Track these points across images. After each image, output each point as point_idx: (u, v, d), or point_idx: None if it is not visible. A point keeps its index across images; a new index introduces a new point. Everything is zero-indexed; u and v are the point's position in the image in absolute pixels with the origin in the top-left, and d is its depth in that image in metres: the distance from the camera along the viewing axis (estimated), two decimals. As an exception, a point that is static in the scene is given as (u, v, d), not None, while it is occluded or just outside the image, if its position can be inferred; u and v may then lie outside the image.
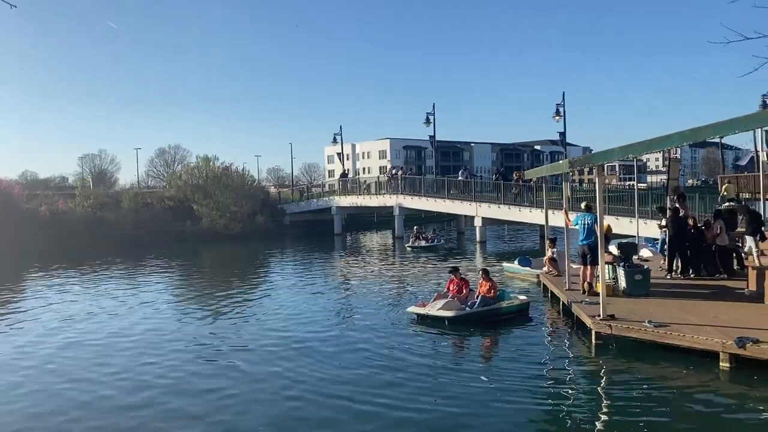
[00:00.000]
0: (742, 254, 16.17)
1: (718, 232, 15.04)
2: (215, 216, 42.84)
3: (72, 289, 21.56)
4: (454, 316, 13.53)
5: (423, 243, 32.35)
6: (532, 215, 30.24)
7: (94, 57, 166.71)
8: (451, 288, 14.70)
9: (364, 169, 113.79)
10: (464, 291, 14.49)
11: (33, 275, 25.57)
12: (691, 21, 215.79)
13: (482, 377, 9.92)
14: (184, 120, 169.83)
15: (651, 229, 22.06)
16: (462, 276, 14.98)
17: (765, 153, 22.98)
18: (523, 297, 15.14)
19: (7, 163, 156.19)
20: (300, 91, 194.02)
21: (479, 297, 14.07)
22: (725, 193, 18.84)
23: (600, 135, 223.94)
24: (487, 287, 14.21)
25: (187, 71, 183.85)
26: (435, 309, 13.78)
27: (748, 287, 13.08)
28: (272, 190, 62.42)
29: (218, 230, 41.81)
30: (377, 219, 50.76)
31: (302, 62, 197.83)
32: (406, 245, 33.11)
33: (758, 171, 23.56)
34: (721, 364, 9.45)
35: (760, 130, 21.37)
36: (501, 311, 14.02)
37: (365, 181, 48.87)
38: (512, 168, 75.13)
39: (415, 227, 34.84)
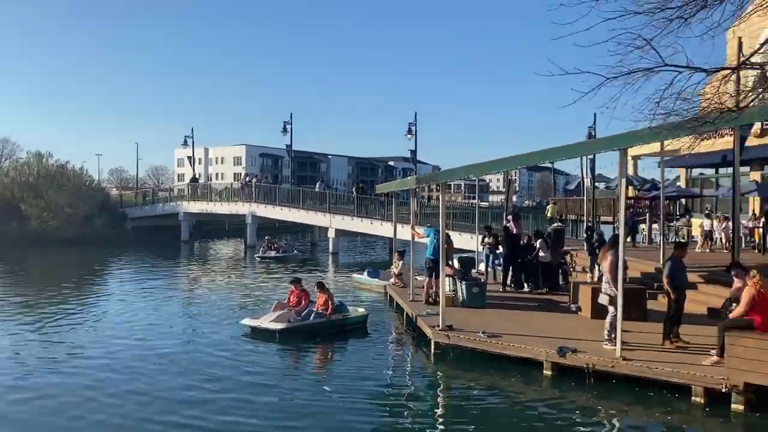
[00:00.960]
0: (568, 270, 17.73)
1: (539, 249, 16.35)
2: (46, 217, 39.23)
3: None
4: (284, 329, 13.13)
5: (273, 253, 31.74)
6: (383, 228, 30.99)
7: None
8: (291, 299, 14.37)
9: (217, 174, 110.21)
10: (303, 302, 14.15)
11: None
12: (524, 52, 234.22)
13: (325, 388, 9.92)
14: (13, 112, 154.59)
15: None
16: (303, 288, 14.64)
17: (589, 179, 25.44)
18: (362, 309, 15.03)
19: None
20: (148, 89, 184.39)
21: (311, 309, 13.83)
22: (549, 215, 20.62)
23: (450, 155, 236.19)
24: (323, 299, 13.95)
25: (17, 60, 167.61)
26: (267, 321, 13.44)
27: (570, 301, 14.30)
28: (114, 192, 58.46)
29: (49, 233, 38.29)
30: (229, 227, 49.29)
31: (151, 58, 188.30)
32: (256, 255, 32.37)
33: (583, 195, 26.11)
34: (544, 372, 10.22)
35: (584, 158, 23.65)
36: (336, 324, 13.83)
37: (218, 187, 47.30)
38: (368, 181, 76.83)
39: (267, 237, 34.10)
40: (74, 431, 8.26)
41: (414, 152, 40.02)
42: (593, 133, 31.29)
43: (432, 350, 11.69)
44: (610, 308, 10.38)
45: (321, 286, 14.33)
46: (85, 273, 26.41)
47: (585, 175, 25.96)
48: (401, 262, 18.51)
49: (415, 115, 39.07)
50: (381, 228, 31.43)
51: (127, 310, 17.01)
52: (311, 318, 13.62)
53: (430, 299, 14.49)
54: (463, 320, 12.49)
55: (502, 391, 9.78)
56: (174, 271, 27.54)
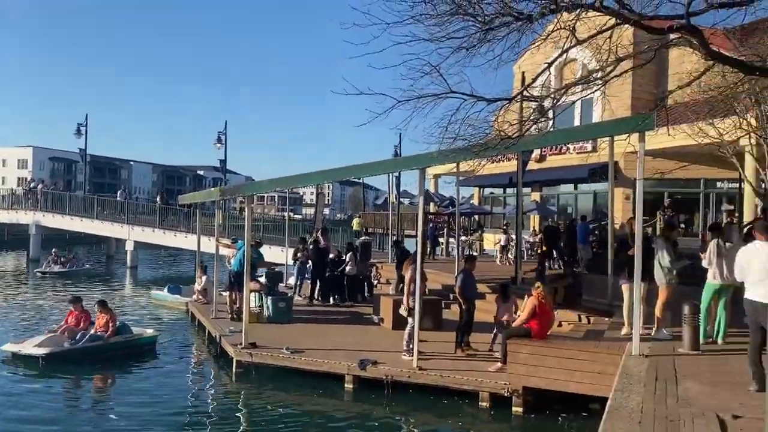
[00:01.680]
0: (373, 283, 18.27)
1: (349, 262, 16.69)
2: None
3: None
4: (50, 353, 11.65)
5: (57, 268, 28.30)
6: (188, 241, 29.52)
7: None
8: (69, 321, 12.82)
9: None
10: (81, 324, 12.64)
11: None
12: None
13: (111, 417, 9.08)
14: None
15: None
16: (83, 308, 13.05)
17: (395, 195, 26.59)
18: (150, 331, 13.91)
19: None
20: None
21: (87, 332, 12.46)
22: (355, 227, 21.18)
23: (268, 166, 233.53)
24: (104, 320, 12.61)
25: None
26: (30, 346, 11.94)
27: (373, 313, 14.70)
28: None
29: None
30: (8, 237, 43.65)
31: None
32: (36, 270, 28.87)
33: (390, 210, 27.20)
34: (346, 385, 10.33)
35: (391, 174, 24.64)
36: (117, 347, 12.52)
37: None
38: (175, 191, 73.07)
39: (53, 250, 30.56)
40: None
41: (224, 162, 38.80)
42: (398, 151, 32.80)
43: (234, 370, 11.27)
44: (410, 319, 10.80)
45: (102, 305, 12.94)
46: None
47: (391, 191, 27.07)
48: (205, 277, 17.71)
49: (225, 123, 37.93)
50: (185, 240, 29.88)
51: None
52: (84, 341, 12.17)
53: (234, 315, 14.02)
54: (269, 337, 12.23)
55: (305, 408, 9.70)
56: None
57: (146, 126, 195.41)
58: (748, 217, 17.92)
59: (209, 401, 10.38)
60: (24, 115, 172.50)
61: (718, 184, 23.60)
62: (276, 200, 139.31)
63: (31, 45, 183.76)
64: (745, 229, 15.72)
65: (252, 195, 12.61)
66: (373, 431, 8.75)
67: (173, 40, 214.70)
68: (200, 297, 17.19)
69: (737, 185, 21.25)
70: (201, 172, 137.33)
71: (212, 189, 16.47)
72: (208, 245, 20.51)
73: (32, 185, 38.06)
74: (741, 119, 14.50)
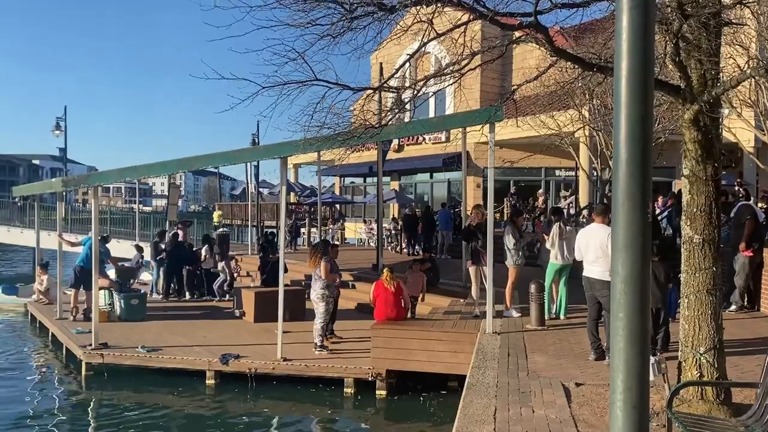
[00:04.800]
0: (233, 276, 17.79)
1: (205, 256, 16.15)
2: None
3: None
4: None
5: None
6: (24, 236, 26.95)
7: None
8: None
9: None
10: None
11: None
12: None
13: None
14: None
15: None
16: None
17: (254, 185, 26.07)
18: None
19: None
20: None
21: None
22: (216, 220, 20.50)
23: (112, 156, 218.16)
24: None
25: None
26: None
27: (234, 306, 14.34)
28: None
29: None
30: None
31: None
32: None
33: (248, 201, 26.63)
34: (207, 381, 10.01)
35: (249, 164, 24.13)
36: None
37: None
38: (7, 182, 66.11)
39: None
40: None
41: (64, 150, 35.85)
42: (257, 140, 32.17)
43: (83, 373, 10.49)
44: (318, 313, 10.47)
45: None
46: None
47: (249, 181, 26.49)
48: (46, 275, 16.27)
49: (65, 109, 35.02)
50: (21, 236, 27.25)
51: None
52: None
53: (80, 315, 13.04)
54: (122, 336, 11.53)
55: (165, 407, 9.28)
56: None
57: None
58: (584, 202, 19.71)
59: (55, 410, 9.54)
60: None
61: (557, 172, 25.70)
62: (123, 191, 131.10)
63: None
64: (584, 212, 17.34)
65: (98, 186, 11.75)
66: (237, 426, 8.57)
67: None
68: (42, 297, 15.77)
69: (573, 173, 23.30)
70: (37, 162, 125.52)
71: (53, 180, 15.10)
72: (48, 241, 18.87)
73: None
74: (577, 112, 15.86)
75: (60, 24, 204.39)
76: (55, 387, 10.71)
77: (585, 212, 17.59)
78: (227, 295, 15.87)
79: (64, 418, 9.16)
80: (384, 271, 10.42)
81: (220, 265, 16.12)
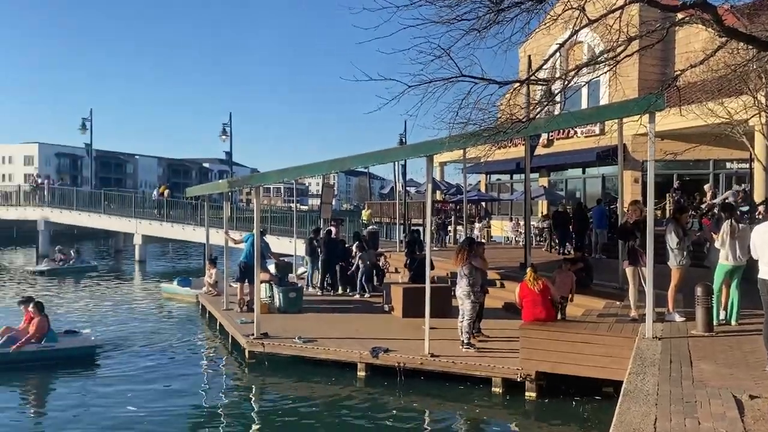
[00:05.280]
0: (382, 272, 18.26)
1: (356, 252, 16.67)
2: None
3: None
4: None
5: (43, 266, 27.29)
6: (196, 234, 29.62)
7: None
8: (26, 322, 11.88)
9: (4, 176, 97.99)
10: (32, 329, 11.53)
11: None
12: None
13: (129, 408, 9.12)
14: None
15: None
16: (37, 309, 11.74)
17: (401, 184, 26.54)
18: (93, 338, 12.69)
19: None
20: None
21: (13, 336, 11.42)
22: (365, 219, 21.14)
23: (271, 158, 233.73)
24: (34, 323, 11.51)
25: None
26: None
27: (383, 301, 14.70)
28: None
29: None
30: (17, 234, 43.92)
31: None
32: (27, 268, 28.66)
33: (396, 199, 27.18)
34: (358, 373, 10.35)
35: (396, 163, 24.59)
36: (23, 358, 11.19)
37: (4, 189, 41.90)
38: (181, 184, 73.23)
39: (57, 247, 30.40)
40: None
41: (229, 154, 38.90)
42: (404, 140, 32.71)
43: (246, 360, 11.30)
44: (464, 311, 10.42)
45: (34, 305, 11.81)
46: None
47: (397, 180, 27.02)
48: (214, 269, 17.75)
49: (230, 115, 38.02)
50: (193, 233, 29.99)
51: None
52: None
53: (245, 307, 14.06)
54: (280, 327, 12.26)
55: (319, 396, 9.73)
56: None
57: (151, 120, 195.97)
58: (759, 196, 17.81)
59: (223, 391, 10.42)
60: (29, 111, 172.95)
61: (728, 164, 23.45)
62: (282, 192, 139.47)
63: (34, 39, 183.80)
64: (761, 208, 15.68)
65: (260, 186, 12.59)
66: (387, 418, 8.76)
67: (177, 32, 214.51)
68: (211, 289, 17.24)
69: (747, 165, 21.12)
70: (207, 165, 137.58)
71: (220, 181, 16.46)
72: (216, 238, 20.58)
73: (39, 181, 38.21)
74: (752, 98, 14.36)
75: (224, 36, 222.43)
76: (222, 371, 11.68)
77: (761, 208, 15.89)
78: (366, 291, 16.29)
79: (229, 400, 9.93)
80: (527, 271, 10.11)
81: (362, 260, 16.52)
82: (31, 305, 11.79)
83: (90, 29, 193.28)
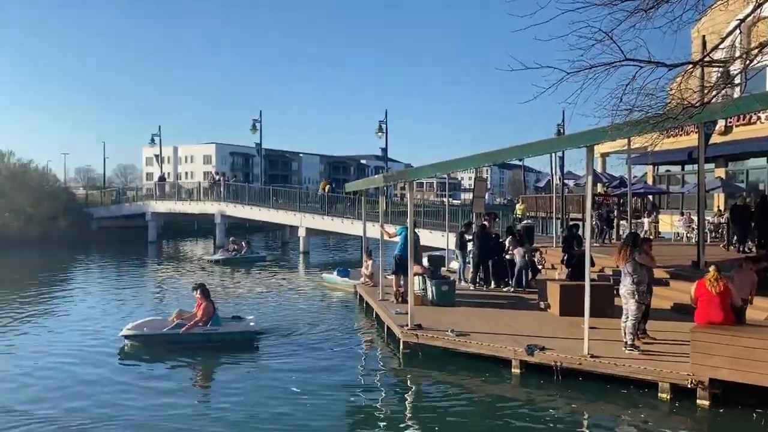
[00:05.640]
0: (537, 267, 17.76)
1: (510, 247, 16.35)
2: (8, 218, 38.22)
3: None
4: (127, 335, 12.31)
5: (218, 256, 30.05)
6: (354, 227, 30.83)
7: None
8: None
9: (186, 173, 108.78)
10: (199, 313, 12.55)
11: None
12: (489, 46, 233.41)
13: (293, 389, 9.73)
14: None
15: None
16: (204, 296, 12.74)
17: (558, 176, 25.57)
18: (252, 324, 13.34)
19: None
20: (117, 87, 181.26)
21: (182, 321, 12.54)
22: (519, 214, 20.64)
23: (423, 153, 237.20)
24: (201, 308, 12.53)
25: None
26: (125, 328, 12.62)
27: (539, 298, 14.30)
28: (80, 191, 57.19)
29: (11, 234, 37.23)
30: (198, 227, 48.61)
31: (124, 55, 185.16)
32: (206, 257, 31.46)
33: (553, 192, 26.25)
34: (513, 370, 10.17)
35: (554, 155, 23.73)
36: (193, 339, 12.28)
37: (186, 186, 46.60)
38: (340, 180, 76.64)
39: (231, 238, 33.21)
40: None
41: (385, 150, 39.99)
42: (561, 130, 31.50)
43: (401, 350, 11.57)
44: (629, 310, 9.89)
45: (201, 290, 12.75)
46: (47, 275, 25.68)
47: (554, 173, 26.08)
48: (371, 261, 18.36)
49: (386, 112, 39.04)
50: (351, 227, 31.27)
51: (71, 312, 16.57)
52: (169, 328, 12.42)
53: (400, 298, 14.38)
54: (433, 319, 12.40)
55: (471, 390, 9.70)
56: (139, 272, 26.99)
57: (314, 119, 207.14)
58: None
59: (379, 379, 10.74)
60: (206, 113, 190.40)
61: None
62: (435, 186, 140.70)
63: (214, 44, 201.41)
64: None
65: (413, 180, 12.79)
66: (544, 417, 8.52)
67: (337, 33, 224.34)
68: (367, 280, 17.86)
69: None
70: (364, 161, 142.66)
71: (376, 176, 16.98)
72: (372, 231, 21.26)
73: (216, 178, 41.93)
74: None
75: (378, 34, 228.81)
76: (377, 359, 12.05)
77: None
78: (521, 287, 15.90)
79: (385, 388, 10.21)
80: (710, 269, 9.24)
81: (517, 254, 16.17)
82: (199, 291, 12.77)
83: (262, 42, 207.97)
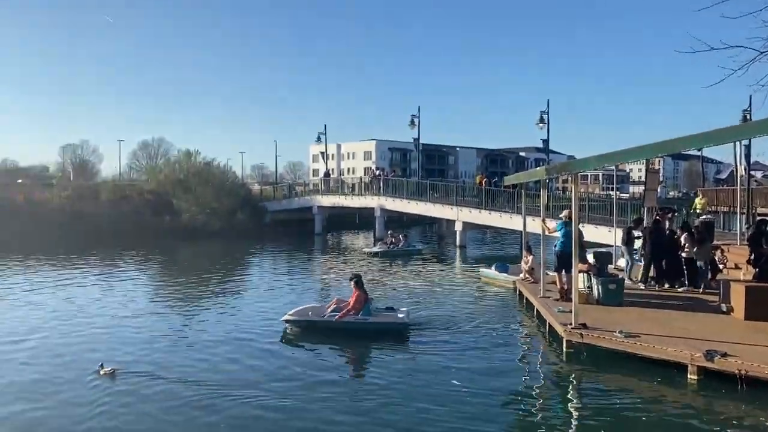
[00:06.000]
0: (717, 267, 16.24)
1: (685, 244, 15.07)
2: (195, 212, 42.43)
3: (36, 282, 21.10)
4: (287, 320, 13.20)
5: (377, 248, 30.86)
6: (513, 221, 30.28)
7: (78, 48, 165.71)
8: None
9: (348, 169, 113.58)
10: (351, 302, 13.11)
11: (1, 267, 25.06)
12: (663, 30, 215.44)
13: (454, 382, 9.79)
14: (169, 113, 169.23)
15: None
16: (359, 286, 13.24)
17: (743, 167, 23.16)
18: (401, 315, 13.50)
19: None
20: (288, 89, 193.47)
21: (337, 309, 13.20)
22: (699, 208, 18.95)
23: (585, 144, 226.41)
24: (354, 297, 13.09)
25: (176, 66, 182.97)
26: (287, 314, 13.47)
27: (720, 300, 13.07)
28: (255, 187, 61.97)
29: (197, 226, 41.36)
30: (359, 220, 50.59)
31: (291, 61, 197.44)
32: (365, 250, 32.58)
33: (737, 185, 23.84)
34: (689, 376, 9.41)
35: (739, 144, 21.53)
36: (346, 327, 12.81)
37: (349, 181, 48.71)
38: (498, 173, 75.58)
39: (389, 231, 34.06)
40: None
41: (546, 142, 38.80)
42: (748, 116, 28.43)
43: (564, 349, 11.18)
44: None
45: (355, 281, 13.31)
46: (230, 264, 28.23)
47: (739, 163, 23.64)
48: (531, 256, 17.91)
49: (548, 102, 37.87)
50: (510, 221, 30.72)
51: (260, 298, 17.93)
52: (324, 316, 13.18)
53: (563, 296, 13.88)
54: (598, 318, 11.83)
55: (641, 395, 9.13)
56: (304, 262, 28.70)
57: (470, 113, 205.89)
58: None
59: (540, 378, 10.47)
60: (366, 110, 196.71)
61: None
62: (600, 179, 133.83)
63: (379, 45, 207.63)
64: None
65: (577, 173, 12.24)
66: (725, 428, 7.80)
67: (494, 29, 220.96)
68: (527, 276, 17.45)
69: None
70: (522, 154, 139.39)
71: (537, 169, 16.52)
72: (532, 225, 20.72)
73: (377, 173, 43.30)
74: None
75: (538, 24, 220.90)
76: (538, 358, 11.73)
77: None
78: (699, 287, 14.60)
79: (547, 388, 9.94)
80: None
81: (693, 251, 14.87)
82: (354, 281, 13.31)
83: (420, 41, 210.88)
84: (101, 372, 10.04)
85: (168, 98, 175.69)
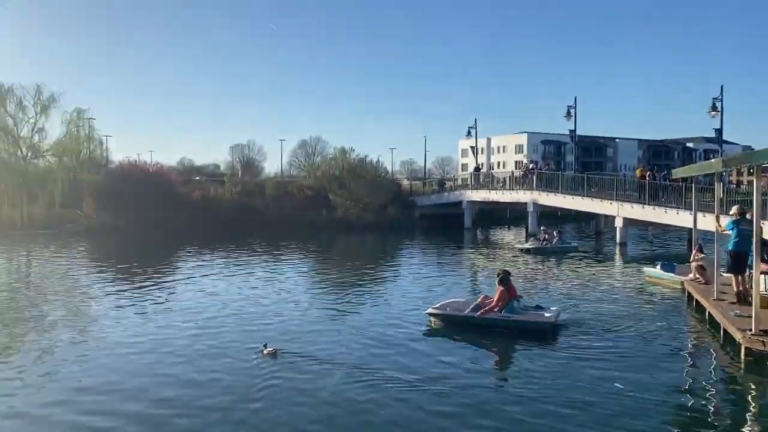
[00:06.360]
0: None
1: None
2: (349, 206, 44.16)
3: (210, 270, 23.09)
4: (430, 312, 13.39)
5: (529, 244, 29.88)
6: (679, 217, 28.04)
7: (248, 56, 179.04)
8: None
9: (498, 163, 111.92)
10: (495, 299, 13.03)
11: (183, 255, 27.82)
12: None
13: (616, 385, 9.26)
14: (326, 113, 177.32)
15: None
16: (505, 284, 13.09)
17: None
18: (549, 315, 12.98)
19: (168, 152, 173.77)
20: (436, 84, 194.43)
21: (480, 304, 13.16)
22: None
23: (763, 134, 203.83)
24: (498, 294, 12.99)
25: (333, 67, 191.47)
26: (431, 307, 13.70)
27: None
28: (405, 182, 63.16)
29: (351, 220, 43.06)
30: (510, 215, 49.67)
31: (439, 55, 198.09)
32: (516, 246, 31.55)
33: None
34: None
35: None
36: (488, 323, 12.65)
37: (499, 175, 48.00)
38: (662, 166, 70.37)
39: (542, 227, 32.86)
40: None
41: (719, 131, 35.48)
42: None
43: (742, 357, 10.17)
44: None
45: (500, 278, 13.20)
46: (384, 257, 29.11)
47: None
48: (702, 256, 16.47)
49: (721, 89, 34.55)
50: (676, 217, 28.43)
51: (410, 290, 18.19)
52: (468, 310, 13.14)
53: (741, 299, 12.62)
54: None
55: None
56: (453, 256, 28.73)
57: (631, 102, 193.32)
58: None
59: (713, 387, 9.55)
60: (518, 102, 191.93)
61: None
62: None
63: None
64: None
65: (761, 164, 11.03)
66: None
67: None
68: (698, 276, 16.09)
69: None
70: (690, 145, 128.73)
71: (712, 160, 15.10)
72: (702, 222, 19.06)
73: (530, 167, 42.18)
74: None
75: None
76: (711, 366, 10.76)
77: None
78: None
79: (721, 398, 9.08)
80: None
81: None
82: (499, 278, 13.18)
83: (575, 30, 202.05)
84: (264, 351, 10.79)
85: (323, 99, 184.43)
